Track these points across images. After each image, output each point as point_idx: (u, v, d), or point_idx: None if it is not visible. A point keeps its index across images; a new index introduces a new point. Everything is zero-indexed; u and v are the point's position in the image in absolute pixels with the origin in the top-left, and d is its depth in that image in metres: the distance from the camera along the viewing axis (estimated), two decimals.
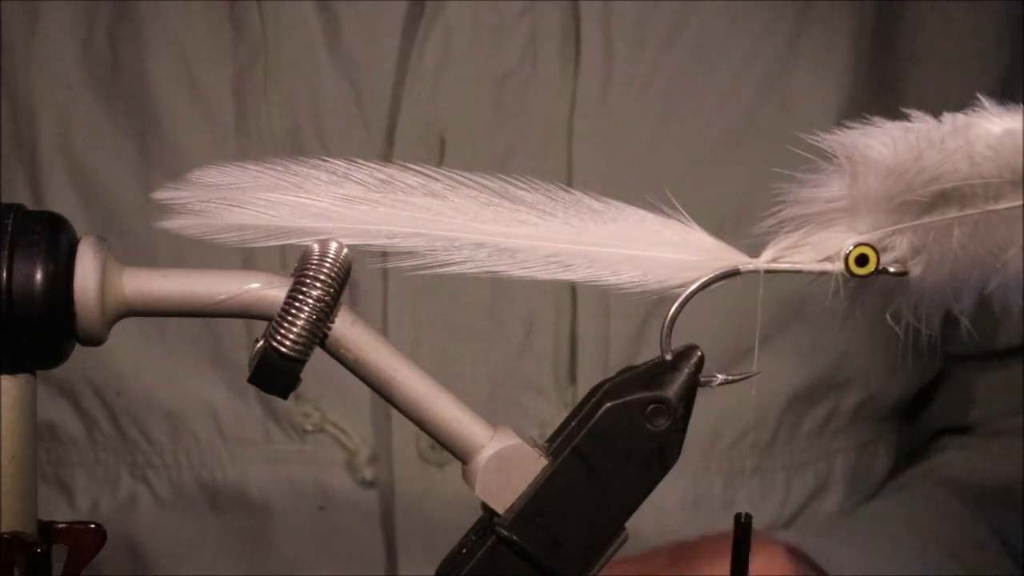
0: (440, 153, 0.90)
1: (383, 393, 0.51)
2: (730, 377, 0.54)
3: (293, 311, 0.49)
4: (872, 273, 0.52)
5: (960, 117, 0.51)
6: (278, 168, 0.53)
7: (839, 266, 0.53)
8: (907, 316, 0.54)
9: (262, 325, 0.87)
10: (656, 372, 0.52)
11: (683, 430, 0.52)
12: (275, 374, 0.50)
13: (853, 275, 0.52)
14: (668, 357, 0.52)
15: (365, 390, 0.88)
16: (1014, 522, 0.96)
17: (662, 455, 0.51)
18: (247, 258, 0.87)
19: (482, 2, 0.90)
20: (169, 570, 0.92)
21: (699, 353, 0.52)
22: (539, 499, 0.51)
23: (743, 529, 0.55)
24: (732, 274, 0.53)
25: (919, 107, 0.93)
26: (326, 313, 0.50)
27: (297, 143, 0.91)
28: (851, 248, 0.52)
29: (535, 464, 0.51)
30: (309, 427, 0.91)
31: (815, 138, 0.52)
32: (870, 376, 0.98)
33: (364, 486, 0.92)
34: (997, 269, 0.52)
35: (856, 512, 0.97)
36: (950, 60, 0.95)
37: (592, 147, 0.91)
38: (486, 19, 0.90)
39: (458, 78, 0.90)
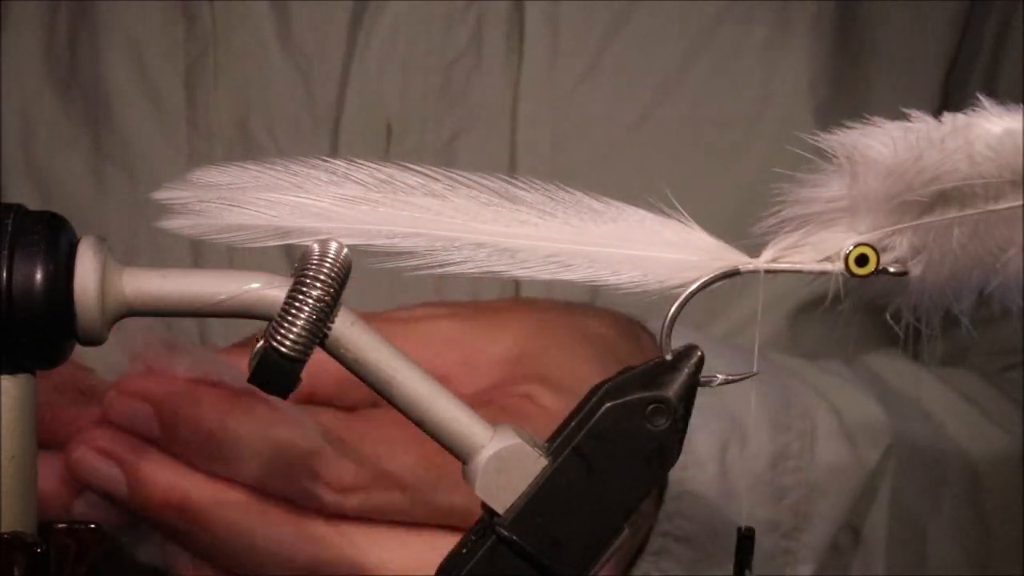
0: (387, 140, 0.91)
1: (383, 393, 0.51)
2: (730, 377, 0.54)
3: (293, 311, 0.49)
4: (872, 273, 0.52)
5: (960, 117, 0.51)
6: (278, 168, 0.53)
7: (839, 266, 0.53)
8: (907, 316, 0.54)
9: (224, 322, 0.89)
10: (656, 372, 0.52)
11: (683, 430, 0.52)
12: (275, 374, 0.50)
13: (853, 275, 0.53)
14: (668, 357, 0.52)
15: None
16: None
17: (662, 455, 0.51)
18: (196, 243, 0.89)
19: None
20: None
21: (699, 353, 0.52)
22: (539, 499, 0.51)
23: (746, 542, 0.55)
24: (732, 274, 0.53)
25: (875, 90, 0.94)
26: (326, 313, 0.50)
27: (246, 133, 0.92)
28: (851, 248, 0.52)
29: (535, 464, 0.51)
30: None
31: (815, 138, 0.52)
32: None
33: None
34: (997, 269, 0.52)
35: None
36: (903, 42, 0.95)
37: (536, 133, 0.91)
38: (432, 8, 0.91)
39: (404, 66, 0.91)
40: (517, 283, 0.91)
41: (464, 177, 0.53)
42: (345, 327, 0.50)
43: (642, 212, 0.53)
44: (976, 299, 0.53)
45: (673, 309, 0.52)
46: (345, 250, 0.50)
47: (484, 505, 0.52)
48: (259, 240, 0.52)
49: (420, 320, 0.77)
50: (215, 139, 0.92)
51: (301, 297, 0.49)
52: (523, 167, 0.91)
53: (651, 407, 0.51)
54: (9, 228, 0.49)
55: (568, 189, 0.54)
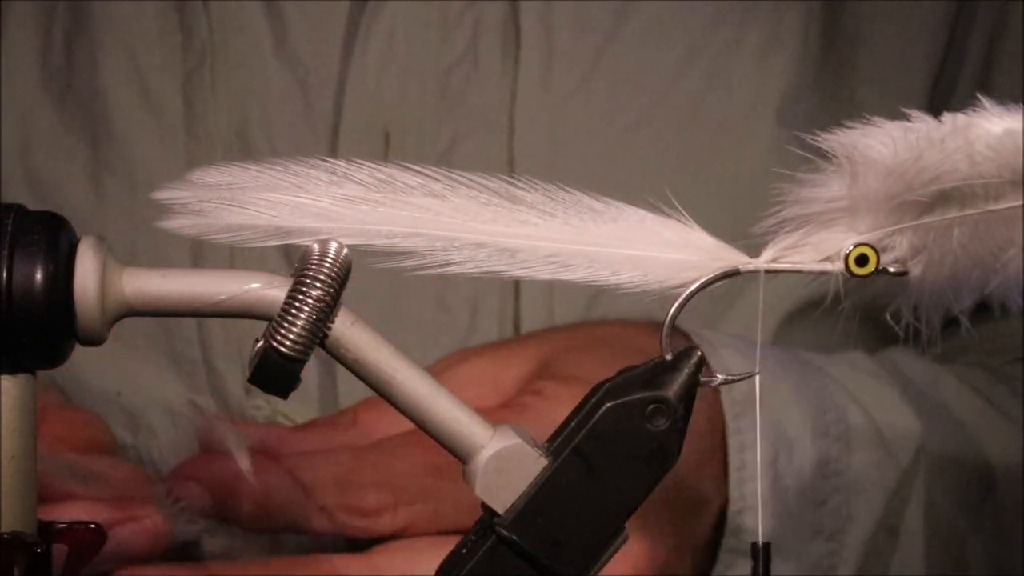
0: (385, 147, 0.91)
1: (383, 393, 0.51)
2: (730, 377, 0.54)
3: (293, 311, 0.49)
4: (872, 273, 0.52)
5: (960, 117, 0.51)
6: (278, 168, 0.53)
7: (839, 266, 0.53)
8: (907, 316, 0.54)
9: (215, 322, 0.90)
10: (656, 372, 0.52)
11: (683, 430, 0.52)
12: (275, 374, 0.50)
13: (853, 275, 0.52)
14: (668, 357, 0.52)
15: (313, 382, 0.91)
16: None
17: (662, 455, 0.51)
18: (196, 252, 0.90)
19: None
20: None
21: (699, 353, 0.52)
22: (539, 499, 0.51)
23: (764, 558, 0.55)
24: (732, 274, 0.53)
25: (865, 91, 0.94)
26: (326, 313, 0.50)
27: (245, 141, 0.92)
28: (851, 248, 0.52)
29: (535, 464, 0.51)
30: (261, 419, 0.92)
31: (816, 138, 0.52)
32: None
33: None
34: (997, 269, 0.52)
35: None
36: (895, 44, 0.95)
37: (533, 139, 0.91)
38: (429, 14, 0.91)
39: (401, 73, 0.91)
40: (517, 283, 0.91)
41: (464, 177, 0.53)
42: (345, 327, 0.50)
43: (642, 212, 0.53)
44: (976, 299, 0.53)
45: (673, 309, 0.52)
46: (345, 250, 0.50)
47: (484, 505, 0.52)
48: (259, 240, 0.52)
49: (453, 366, 0.80)
50: (214, 148, 0.92)
51: (301, 297, 0.49)
52: (521, 172, 0.90)
53: (651, 407, 0.51)
54: (9, 228, 0.49)
55: (568, 189, 0.54)
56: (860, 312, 0.55)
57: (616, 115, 0.92)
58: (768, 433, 0.82)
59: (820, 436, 0.84)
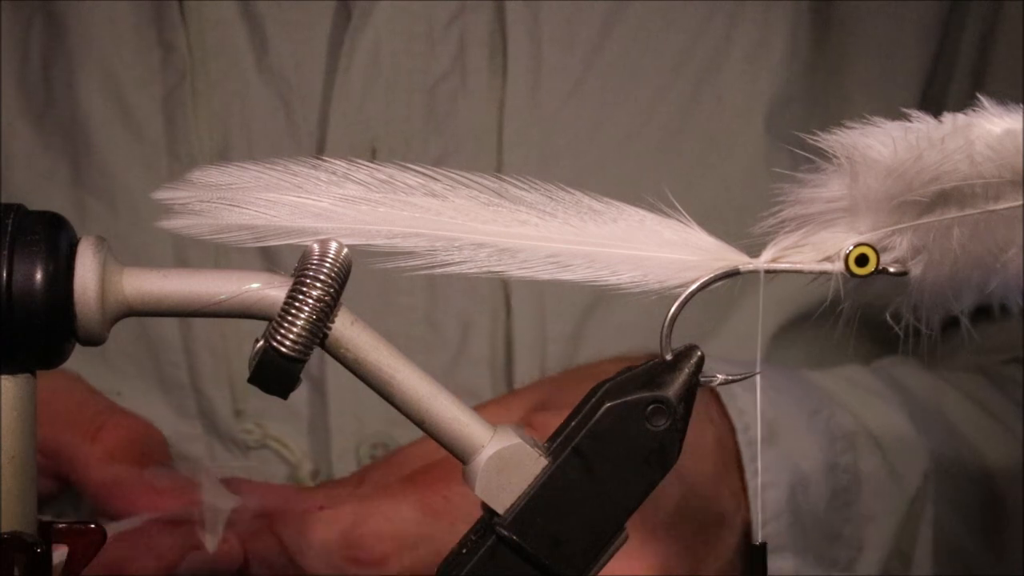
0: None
1: (383, 393, 0.51)
2: (730, 377, 0.54)
3: (293, 311, 0.49)
4: (872, 273, 0.52)
5: (960, 117, 0.51)
6: (278, 168, 0.53)
7: (839, 266, 0.53)
8: (907, 316, 0.54)
9: (203, 343, 0.89)
10: (656, 372, 0.52)
11: (683, 430, 0.52)
12: (275, 374, 0.50)
13: (853, 275, 0.52)
14: (668, 357, 0.52)
15: (304, 404, 0.91)
16: None
17: (662, 455, 0.51)
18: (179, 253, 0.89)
19: (409, 13, 0.90)
20: None
21: (699, 353, 0.52)
22: (539, 499, 0.51)
23: (759, 556, 0.55)
24: (732, 274, 0.53)
25: (855, 94, 0.94)
26: (326, 313, 0.50)
27: (228, 160, 0.91)
28: (851, 248, 0.52)
29: (535, 464, 0.51)
30: (251, 443, 0.92)
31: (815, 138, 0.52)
32: None
33: None
34: (997, 269, 0.52)
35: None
36: (886, 47, 0.95)
37: (522, 153, 0.90)
38: (414, 28, 0.90)
39: (387, 88, 0.90)
40: (508, 301, 0.91)
41: (464, 177, 0.53)
42: (345, 327, 0.50)
43: (642, 212, 0.53)
44: (976, 299, 0.53)
45: (673, 309, 0.52)
46: (345, 250, 0.50)
47: (484, 505, 0.52)
48: (259, 240, 0.52)
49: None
50: (196, 167, 0.91)
51: (301, 297, 0.49)
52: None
53: (651, 407, 0.51)
54: (9, 228, 0.49)
55: (568, 189, 0.54)
56: (859, 315, 0.55)
57: (605, 126, 0.92)
58: (785, 474, 0.83)
59: (831, 469, 0.84)
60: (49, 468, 0.82)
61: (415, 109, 0.90)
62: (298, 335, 0.49)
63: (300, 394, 0.91)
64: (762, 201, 0.89)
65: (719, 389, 0.82)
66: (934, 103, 0.96)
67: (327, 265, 0.50)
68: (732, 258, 0.53)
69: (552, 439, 0.52)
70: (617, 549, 0.52)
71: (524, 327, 0.91)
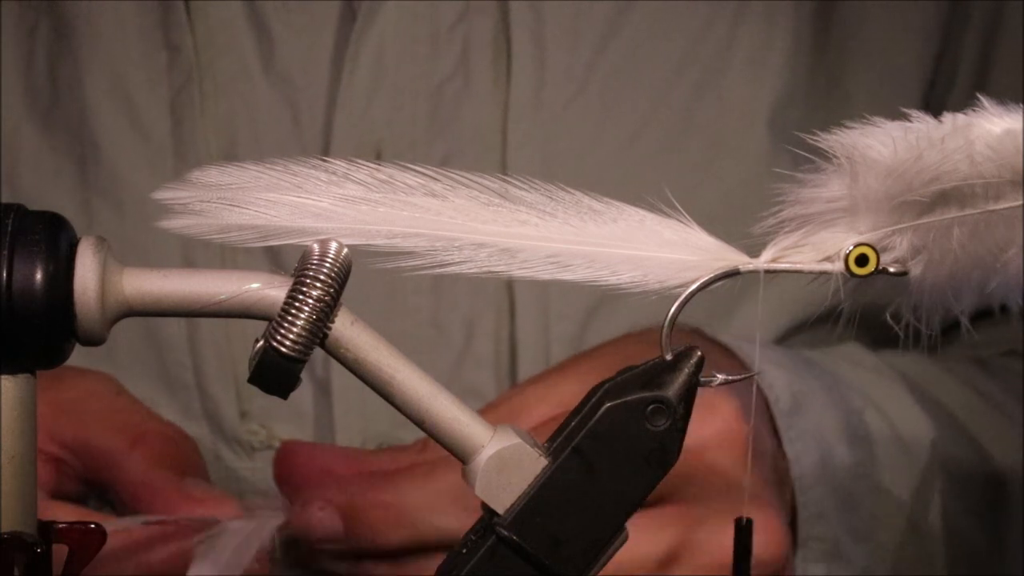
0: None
1: (383, 393, 0.51)
2: (730, 377, 0.54)
3: (293, 311, 0.49)
4: (872, 273, 0.52)
5: (960, 117, 0.51)
6: (278, 168, 0.53)
7: (839, 266, 0.53)
8: (907, 316, 0.54)
9: (209, 344, 0.89)
10: (656, 372, 0.52)
11: (683, 430, 0.52)
12: (275, 374, 0.49)
13: (853, 275, 0.53)
14: (668, 357, 0.52)
15: (309, 405, 0.91)
16: None
17: (662, 455, 0.51)
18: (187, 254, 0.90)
19: (414, 14, 0.90)
20: None
21: (699, 353, 0.52)
22: (539, 499, 0.51)
23: (744, 534, 0.55)
24: (732, 274, 0.53)
25: (859, 95, 0.94)
26: (326, 313, 0.50)
27: (234, 161, 0.91)
28: (851, 248, 0.52)
29: (535, 464, 0.51)
30: (257, 444, 0.92)
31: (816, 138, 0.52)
32: None
33: None
34: (997, 269, 0.52)
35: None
36: (888, 48, 0.95)
37: (526, 154, 0.91)
38: (418, 30, 0.90)
39: (392, 90, 0.90)
40: (512, 303, 0.91)
41: (464, 177, 0.53)
42: (345, 327, 0.50)
43: (642, 212, 0.53)
44: (976, 299, 0.53)
45: (673, 309, 0.52)
46: (345, 250, 0.50)
47: (484, 505, 0.52)
48: (259, 240, 0.52)
49: (508, 398, 0.81)
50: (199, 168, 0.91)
51: (301, 297, 0.49)
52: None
53: (651, 407, 0.51)
54: (9, 228, 0.49)
55: (568, 189, 0.54)
56: (860, 316, 0.55)
57: (609, 128, 0.92)
58: (814, 440, 0.83)
59: (850, 441, 0.85)
60: (78, 469, 0.82)
61: (420, 111, 0.90)
62: (298, 335, 0.49)
63: (305, 395, 0.91)
64: (765, 202, 0.89)
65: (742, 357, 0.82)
66: (936, 104, 0.96)
67: (327, 265, 0.50)
68: (732, 258, 0.53)
69: (552, 439, 0.52)
70: (617, 549, 0.52)
71: (528, 328, 0.91)
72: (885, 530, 0.86)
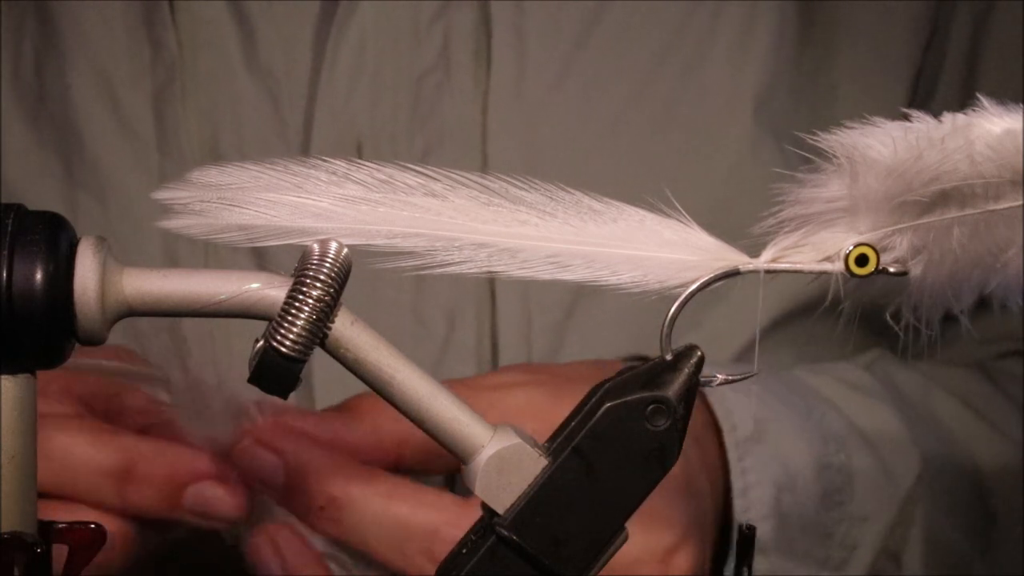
0: (357, 159, 0.90)
1: (383, 393, 0.51)
2: (730, 377, 0.54)
3: (293, 311, 0.49)
4: (872, 273, 0.52)
5: (960, 117, 0.51)
6: (278, 168, 0.53)
7: (839, 266, 0.53)
8: (907, 316, 0.54)
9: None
10: (656, 372, 0.52)
11: (683, 430, 0.52)
12: (275, 374, 0.50)
13: (853, 275, 0.53)
14: (668, 357, 0.52)
15: (291, 396, 0.90)
16: None
17: (662, 455, 0.51)
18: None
19: (394, 7, 0.90)
20: None
21: (699, 353, 0.52)
22: (539, 499, 0.51)
23: (746, 540, 0.55)
24: (732, 274, 0.53)
25: (844, 85, 0.94)
26: (326, 313, 0.50)
27: (217, 156, 0.91)
28: (851, 248, 0.52)
29: (535, 464, 0.51)
30: None
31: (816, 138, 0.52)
32: None
33: None
34: (997, 269, 0.52)
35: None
36: (874, 38, 0.95)
37: (506, 146, 0.91)
38: (399, 22, 0.90)
39: (372, 83, 0.90)
40: (493, 294, 0.91)
41: (465, 177, 0.53)
42: (345, 327, 0.50)
43: (642, 212, 0.53)
44: (976, 299, 0.53)
45: (673, 309, 0.52)
46: (345, 250, 0.50)
47: (484, 505, 0.52)
48: (259, 240, 0.52)
49: (503, 388, 0.79)
50: (186, 164, 0.91)
51: (301, 297, 0.49)
52: None
53: (651, 407, 0.51)
54: (9, 228, 0.49)
55: (568, 189, 0.54)
56: (853, 312, 0.55)
57: (590, 119, 0.92)
58: (771, 471, 0.83)
59: (823, 468, 0.84)
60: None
61: (400, 103, 0.90)
62: (298, 335, 0.49)
63: None
64: (749, 191, 0.89)
65: (706, 390, 0.82)
66: (924, 94, 0.96)
67: (327, 265, 0.50)
68: (732, 258, 0.53)
69: (552, 439, 0.52)
70: (617, 549, 0.52)
71: (509, 318, 0.91)
72: (859, 560, 0.86)
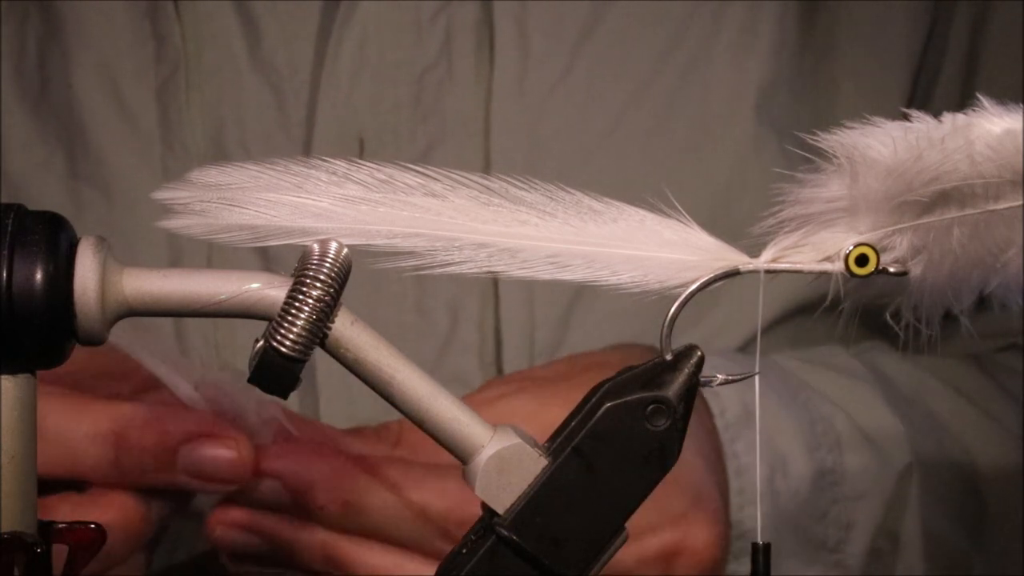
0: (359, 154, 0.90)
1: (383, 393, 0.51)
2: (730, 377, 0.54)
3: (293, 311, 0.49)
4: (872, 273, 0.52)
5: (960, 117, 0.51)
6: (278, 168, 0.53)
7: (839, 266, 0.53)
8: (907, 316, 0.54)
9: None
10: (656, 372, 0.52)
11: (683, 430, 0.52)
12: (275, 374, 0.50)
13: (853, 275, 0.52)
14: (668, 357, 0.52)
15: (293, 392, 0.90)
16: None
17: (662, 455, 0.51)
18: (174, 262, 0.90)
19: (397, 2, 0.90)
20: None
21: (699, 353, 0.52)
22: (539, 499, 0.51)
23: (764, 557, 0.55)
24: (732, 274, 0.53)
25: (845, 81, 0.94)
26: (326, 313, 0.50)
27: (220, 150, 0.91)
28: (851, 248, 0.52)
29: (535, 464, 0.51)
30: None
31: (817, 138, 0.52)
32: None
33: None
34: (997, 269, 0.52)
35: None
36: (875, 36, 0.95)
37: (509, 141, 0.91)
38: (401, 17, 0.90)
39: (374, 78, 0.90)
40: (496, 288, 0.91)
41: (465, 177, 0.53)
42: (345, 327, 0.50)
43: (642, 212, 0.53)
44: (976, 299, 0.53)
45: (673, 309, 0.52)
46: (345, 250, 0.50)
47: (484, 505, 0.52)
48: (259, 240, 0.52)
49: (487, 404, 0.79)
50: (189, 157, 0.91)
51: (301, 297, 0.49)
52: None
53: (651, 407, 0.51)
54: (9, 228, 0.49)
55: (568, 189, 0.54)
56: (850, 313, 0.55)
57: (593, 115, 0.92)
58: (763, 453, 0.83)
59: (813, 449, 0.85)
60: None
61: (402, 98, 0.91)
62: (298, 335, 0.49)
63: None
64: (751, 186, 0.89)
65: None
66: (924, 91, 0.96)
67: (327, 265, 0.50)
68: (732, 258, 0.53)
69: (552, 439, 0.52)
70: (617, 549, 0.52)
71: (512, 313, 0.91)
72: (857, 539, 0.86)
